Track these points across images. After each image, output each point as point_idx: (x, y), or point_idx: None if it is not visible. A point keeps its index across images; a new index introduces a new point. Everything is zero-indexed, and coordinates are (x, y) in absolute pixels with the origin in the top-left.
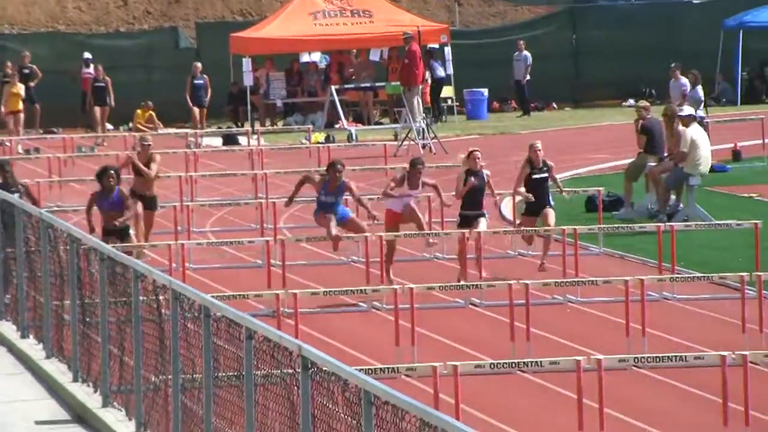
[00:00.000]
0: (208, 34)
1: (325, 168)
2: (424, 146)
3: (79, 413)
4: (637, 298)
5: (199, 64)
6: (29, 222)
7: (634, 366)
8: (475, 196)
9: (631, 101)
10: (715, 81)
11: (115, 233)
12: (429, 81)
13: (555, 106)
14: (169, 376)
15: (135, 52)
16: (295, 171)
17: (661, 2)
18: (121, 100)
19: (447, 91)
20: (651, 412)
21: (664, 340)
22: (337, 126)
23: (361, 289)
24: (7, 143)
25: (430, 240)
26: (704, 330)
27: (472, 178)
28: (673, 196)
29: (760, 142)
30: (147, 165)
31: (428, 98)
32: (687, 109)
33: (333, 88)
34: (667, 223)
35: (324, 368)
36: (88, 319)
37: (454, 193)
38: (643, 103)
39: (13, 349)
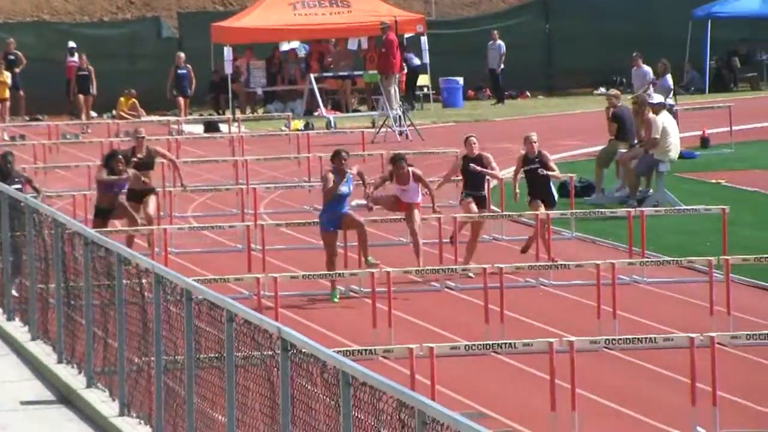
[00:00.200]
0: (189, 23)
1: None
2: (400, 133)
3: (63, 394)
4: (609, 282)
5: (182, 54)
6: (16, 208)
7: (606, 348)
8: (477, 179)
9: (603, 89)
10: (684, 70)
11: (105, 213)
12: (405, 70)
13: (528, 94)
14: (152, 358)
15: (118, 42)
16: (275, 157)
17: None
18: (104, 88)
19: (423, 80)
20: (621, 392)
21: (634, 323)
22: (316, 113)
23: (339, 273)
24: None
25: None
26: (673, 312)
27: (471, 164)
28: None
29: (728, 129)
30: (145, 158)
31: (404, 86)
32: (657, 97)
33: (312, 76)
34: (637, 209)
35: (303, 350)
36: (72, 302)
37: (441, 177)
38: (614, 91)
39: None
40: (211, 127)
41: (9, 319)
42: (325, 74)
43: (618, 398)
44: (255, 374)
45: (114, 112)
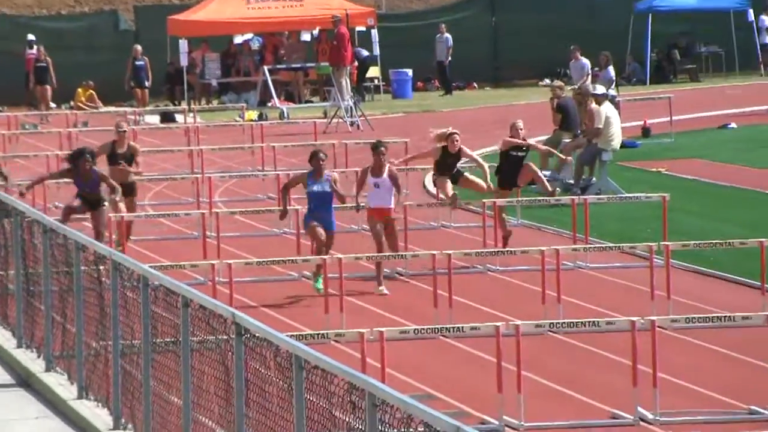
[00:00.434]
0: (146, 16)
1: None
2: (352, 124)
3: (23, 377)
4: (553, 267)
5: (139, 47)
6: None
7: (550, 331)
8: (451, 171)
9: (547, 81)
10: (626, 62)
11: (89, 201)
12: (356, 62)
13: (476, 85)
14: (109, 342)
15: (76, 34)
16: (229, 147)
17: None
18: (63, 79)
19: (374, 72)
20: (566, 374)
21: (578, 307)
22: (269, 104)
23: (291, 260)
24: None
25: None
26: (615, 297)
27: (449, 160)
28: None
29: (668, 119)
30: (126, 153)
31: (355, 78)
32: (599, 88)
33: (265, 68)
34: (580, 196)
35: (257, 334)
36: (32, 288)
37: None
38: (558, 82)
39: None
40: (167, 117)
41: None
42: (279, 66)
43: (562, 380)
44: (210, 358)
45: (72, 102)
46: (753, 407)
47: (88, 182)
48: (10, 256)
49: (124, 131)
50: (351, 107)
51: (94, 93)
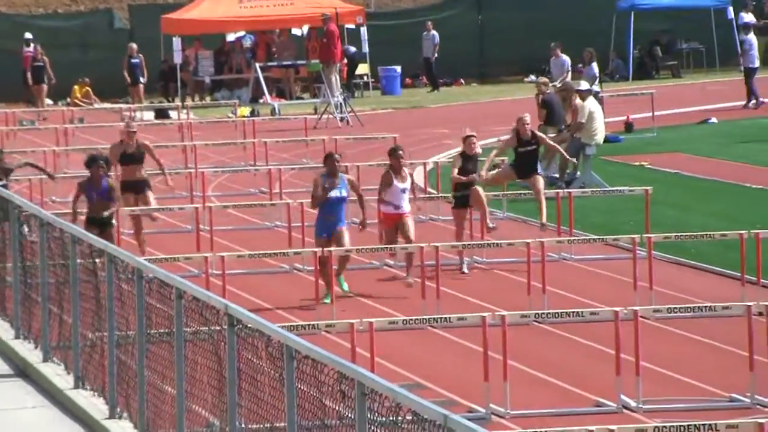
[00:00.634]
0: (140, 15)
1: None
2: (341, 119)
3: (20, 368)
4: (538, 259)
5: (134, 45)
6: None
7: (536, 321)
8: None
9: (532, 77)
10: (610, 58)
11: (97, 223)
12: (345, 60)
13: (463, 81)
14: (105, 333)
15: (72, 32)
16: (222, 143)
17: None
18: (59, 77)
19: (363, 68)
20: (550, 363)
21: (562, 298)
22: (261, 101)
23: (283, 252)
24: None
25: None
26: (599, 288)
27: (468, 165)
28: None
29: (650, 114)
30: (136, 152)
31: (345, 75)
32: (584, 84)
33: (257, 65)
34: (565, 190)
35: (249, 325)
36: (29, 281)
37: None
38: (543, 79)
39: None
40: (161, 113)
41: None
42: (270, 63)
43: (547, 369)
44: (203, 348)
45: (68, 99)
46: (733, 395)
47: (99, 190)
48: (7, 249)
49: (134, 131)
50: (341, 103)
51: (89, 90)
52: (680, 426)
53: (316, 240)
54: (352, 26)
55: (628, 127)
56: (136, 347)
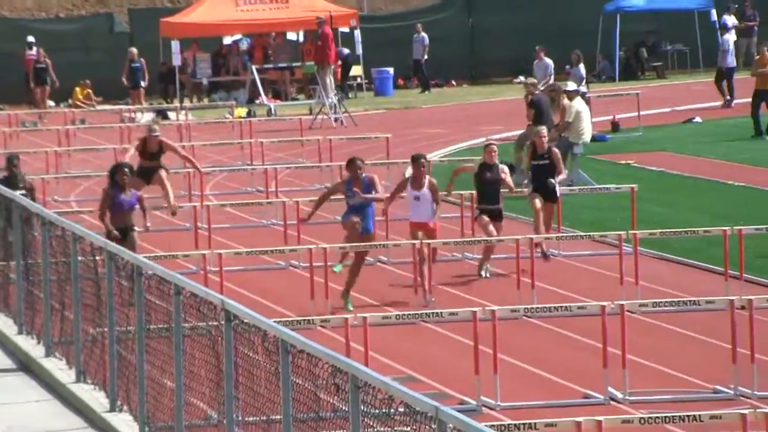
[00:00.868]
0: (140, 19)
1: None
2: (336, 120)
3: (23, 362)
4: (527, 255)
5: (134, 50)
6: None
7: (525, 316)
8: (492, 190)
9: (521, 78)
10: (596, 60)
11: (120, 229)
12: (340, 62)
13: (454, 82)
14: (106, 329)
15: (74, 36)
16: (219, 143)
17: None
18: (61, 79)
19: (356, 70)
20: (540, 356)
21: (551, 292)
22: (257, 102)
23: (279, 249)
24: None
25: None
26: (587, 283)
27: (488, 174)
28: None
29: (636, 114)
30: (159, 152)
31: (339, 76)
32: (571, 85)
33: (254, 67)
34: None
35: (245, 320)
36: (31, 278)
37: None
38: (532, 80)
39: None
40: (160, 114)
41: None
42: (266, 65)
43: (536, 362)
44: (201, 343)
45: (70, 101)
46: (717, 387)
47: (129, 198)
48: (11, 247)
49: (158, 135)
50: (335, 104)
51: (90, 92)
52: (665, 417)
53: (346, 222)
54: (346, 29)
55: (615, 126)
56: (136, 342)
